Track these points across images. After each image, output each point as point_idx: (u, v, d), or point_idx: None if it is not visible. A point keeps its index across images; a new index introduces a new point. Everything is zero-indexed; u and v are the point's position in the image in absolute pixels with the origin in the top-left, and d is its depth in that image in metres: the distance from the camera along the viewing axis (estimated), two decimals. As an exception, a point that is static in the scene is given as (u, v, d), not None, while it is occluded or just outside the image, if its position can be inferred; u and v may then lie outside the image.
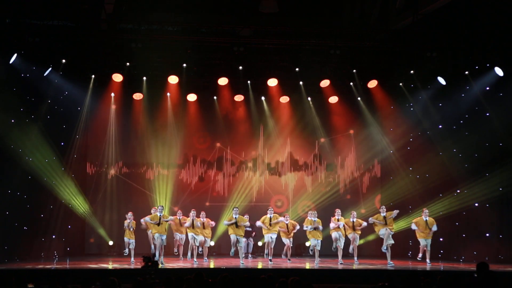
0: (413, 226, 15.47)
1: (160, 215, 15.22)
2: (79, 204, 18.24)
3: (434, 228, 15.31)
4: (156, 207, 15.87)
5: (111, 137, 19.05)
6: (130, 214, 15.72)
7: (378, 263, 15.75)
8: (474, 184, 16.51)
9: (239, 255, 15.38)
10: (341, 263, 15.42)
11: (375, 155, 20.08)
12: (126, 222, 15.61)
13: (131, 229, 15.53)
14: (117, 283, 7.23)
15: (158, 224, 15.15)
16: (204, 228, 15.72)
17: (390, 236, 15.30)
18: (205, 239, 15.80)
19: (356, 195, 20.01)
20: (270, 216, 15.84)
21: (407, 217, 17.69)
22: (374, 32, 16.55)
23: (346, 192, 19.99)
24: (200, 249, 15.85)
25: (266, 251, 15.96)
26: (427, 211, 15.53)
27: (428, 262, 15.33)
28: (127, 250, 15.61)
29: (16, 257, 15.54)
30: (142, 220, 15.65)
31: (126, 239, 15.58)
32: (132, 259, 15.38)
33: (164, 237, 15.33)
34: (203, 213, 15.93)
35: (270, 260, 15.71)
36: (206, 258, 16.12)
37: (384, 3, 16.34)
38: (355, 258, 16.14)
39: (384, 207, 15.80)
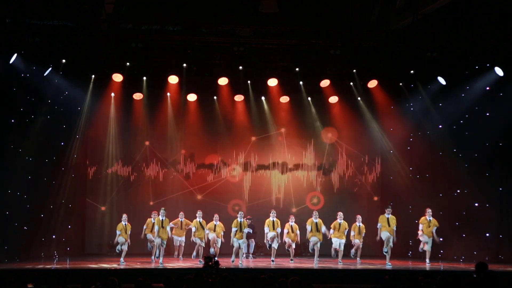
0: (420, 227, 15.54)
1: (162, 219, 15.21)
2: (79, 204, 18.27)
3: (434, 229, 15.36)
4: (156, 211, 15.84)
5: (111, 137, 19.04)
6: (125, 216, 15.72)
7: (378, 263, 15.75)
8: (474, 184, 16.53)
9: (238, 255, 15.44)
10: (340, 263, 15.49)
11: (375, 155, 20.08)
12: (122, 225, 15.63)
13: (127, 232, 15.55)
14: (117, 283, 7.24)
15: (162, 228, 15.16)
16: (215, 230, 15.94)
17: (391, 239, 15.33)
18: (216, 239, 16.00)
19: (352, 196, 20.02)
20: (273, 220, 15.98)
21: (407, 217, 17.70)
22: (374, 32, 16.53)
23: (342, 192, 19.96)
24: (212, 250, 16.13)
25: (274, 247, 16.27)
26: (430, 210, 15.57)
27: (428, 262, 15.38)
28: (119, 247, 15.62)
29: (16, 257, 15.54)
30: (149, 236, 15.74)
31: (122, 239, 15.55)
32: (122, 259, 15.36)
33: (164, 241, 15.32)
34: (216, 216, 16.11)
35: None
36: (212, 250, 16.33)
37: (384, 3, 16.33)
38: (358, 258, 16.19)
39: (390, 208, 15.76)
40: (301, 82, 18.31)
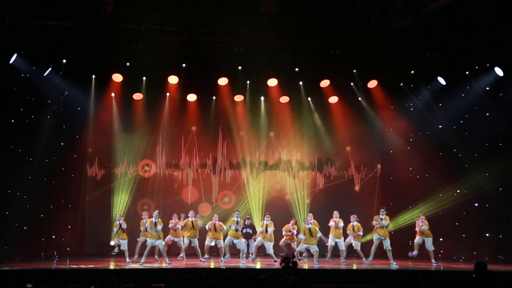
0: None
1: (155, 221, 15.14)
2: (79, 204, 18.26)
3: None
4: (146, 212, 15.81)
5: (111, 137, 19.02)
6: (118, 216, 15.74)
7: (378, 263, 15.75)
8: (474, 184, 16.54)
9: (239, 255, 15.45)
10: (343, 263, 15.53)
11: (375, 155, 20.07)
12: (116, 224, 15.60)
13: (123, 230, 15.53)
14: (117, 283, 7.24)
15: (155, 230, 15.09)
16: (215, 231, 15.88)
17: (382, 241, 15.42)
18: (215, 242, 15.99)
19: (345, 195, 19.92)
20: (267, 223, 15.92)
21: (407, 218, 17.72)
22: (374, 32, 16.54)
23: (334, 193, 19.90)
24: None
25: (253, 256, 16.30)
26: (423, 217, 15.60)
27: (433, 262, 15.43)
28: (117, 249, 15.64)
29: (16, 257, 15.55)
30: (141, 230, 15.63)
31: (118, 240, 15.50)
32: (128, 259, 15.36)
33: (155, 242, 15.17)
34: (215, 216, 16.12)
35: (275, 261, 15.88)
36: (222, 258, 16.04)
37: (384, 3, 16.33)
38: (365, 259, 16.20)
39: (384, 210, 15.80)
40: (301, 82, 18.30)
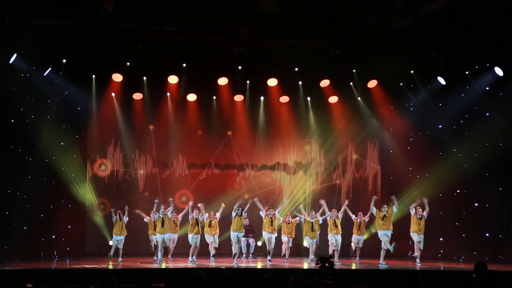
0: (411, 210, 15.60)
1: (162, 216, 15.16)
2: (79, 204, 18.26)
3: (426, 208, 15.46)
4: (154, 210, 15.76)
5: (111, 137, 19.03)
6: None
7: (378, 263, 15.74)
8: (474, 184, 16.54)
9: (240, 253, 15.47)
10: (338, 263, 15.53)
11: (375, 155, 20.07)
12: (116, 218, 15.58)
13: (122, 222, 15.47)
14: (117, 283, 7.24)
15: (162, 225, 15.11)
16: (210, 226, 15.74)
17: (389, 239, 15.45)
18: (213, 237, 15.81)
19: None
20: (271, 217, 15.97)
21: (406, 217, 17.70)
22: (374, 32, 16.53)
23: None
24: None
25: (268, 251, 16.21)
26: (420, 210, 15.62)
27: (418, 262, 15.38)
28: (112, 252, 15.40)
29: (16, 257, 15.55)
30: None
31: (116, 236, 15.44)
32: (120, 258, 15.33)
33: (165, 236, 15.27)
34: (212, 213, 15.96)
35: (269, 261, 15.78)
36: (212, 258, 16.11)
37: (384, 3, 16.33)
38: (357, 258, 16.21)
39: (386, 206, 15.81)
40: (300, 82, 18.30)
